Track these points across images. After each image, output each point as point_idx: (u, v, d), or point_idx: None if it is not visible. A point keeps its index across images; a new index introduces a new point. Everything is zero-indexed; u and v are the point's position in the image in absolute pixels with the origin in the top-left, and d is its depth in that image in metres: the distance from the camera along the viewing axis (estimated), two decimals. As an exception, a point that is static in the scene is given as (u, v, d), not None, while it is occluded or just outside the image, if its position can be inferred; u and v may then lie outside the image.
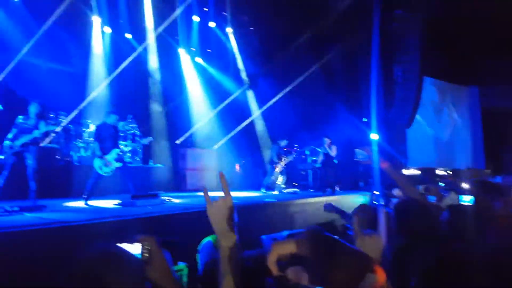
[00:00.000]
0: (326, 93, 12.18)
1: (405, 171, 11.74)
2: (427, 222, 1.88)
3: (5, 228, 3.52)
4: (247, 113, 12.89)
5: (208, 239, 2.62)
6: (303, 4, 10.96)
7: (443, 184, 9.86)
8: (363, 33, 10.39)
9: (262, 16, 11.96)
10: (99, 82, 10.04)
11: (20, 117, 5.77)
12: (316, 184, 10.68)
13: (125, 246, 1.10)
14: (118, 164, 6.58)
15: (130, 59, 10.20)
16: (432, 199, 3.50)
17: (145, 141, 7.34)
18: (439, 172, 13.42)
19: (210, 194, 1.33)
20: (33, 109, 5.76)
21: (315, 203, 7.34)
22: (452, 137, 14.31)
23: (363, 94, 11.52)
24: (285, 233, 4.57)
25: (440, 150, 13.66)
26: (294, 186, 10.94)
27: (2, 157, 5.59)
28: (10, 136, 5.70)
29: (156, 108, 11.27)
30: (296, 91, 11.91)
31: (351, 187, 10.92)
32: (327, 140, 9.27)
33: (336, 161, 9.58)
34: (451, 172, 13.46)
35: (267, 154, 11.90)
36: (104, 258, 0.98)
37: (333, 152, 9.34)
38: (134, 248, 1.12)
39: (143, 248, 1.12)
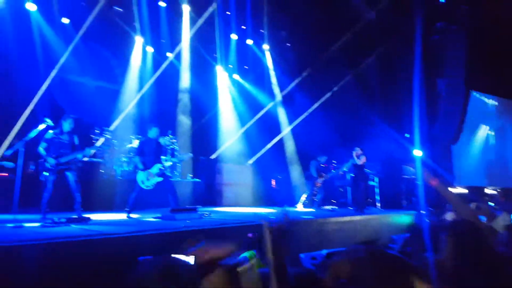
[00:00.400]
0: (363, 107, 11.97)
1: (452, 190, 11.33)
2: (483, 243, 1.80)
3: (54, 238, 3.72)
4: (282, 128, 12.97)
5: (244, 255, 2.59)
6: (339, 17, 11.03)
7: (492, 204, 9.35)
8: (402, 45, 10.29)
9: (299, 31, 12.09)
10: (141, 99, 10.55)
11: (51, 131, 5.81)
12: (356, 201, 10.16)
13: (180, 256, 1.12)
14: (159, 179, 6.70)
15: (158, 73, 10.67)
16: (483, 219, 3.37)
17: (185, 157, 7.39)
18: (488, 191, 12.95)
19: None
20: (67, 124, 5.84)
21: (354, 221, 7.16)
22: (502, 154, 13.81)
23: (404, 108, 10.96)
24: (324, 251, 4.53)
25: (489, 168, 13.21)
26: (332, 204, 10.82)
27: (47, 173, 5.72)
28: (42, 150, 5.79)
29: (190, 123, 11.57)
30: (332, 105, 11.98)
31: (393, 206, 10.55)
32: (357, 150, 8.97)
33: (369, 173, 9.19)
34: (501, 191, 12.69)
35: (302, 169, 11.95)
36: (163, 268, 1.01)
37: (361, 161, 8.96)
38: (189, 259, 1.14)
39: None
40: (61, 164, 5.78)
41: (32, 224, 5.07)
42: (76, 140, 5.95)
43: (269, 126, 12.70)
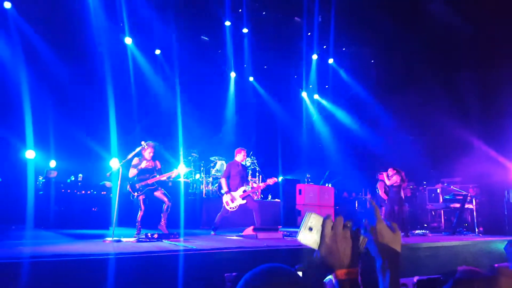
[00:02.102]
0: (456, 127, 11.41)
1: None
2: None
3: (148, 252, 4.08)
4: (364, 147, 13.00)
5: (330, 277, 2.57)
6: (429, 31, 10.76)
7: None
8: (504, 61, 9.79)
9: (384, 48, 11.96)
10: (227, 123, 11.29)
11: (136, 158, 6.32)
12: (449, 225, 10.20)
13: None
14: (243, 201, 6.97)
15: (231, 90, 11.12)
16: None
17: (270, 181, 7.44)
18: None
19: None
20: (147, 153, 6.33)
21: (449, 246, 6.82)
22: None
23: (508, 129, 10.52)
24: (416, 278, 4.40)
25: None
26: (423, 228, 10.51)
27: (135, 193, 6.27)
28: (130, 173, 6.34)
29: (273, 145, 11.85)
30: (420, 124, 11.91)
31: (495, 231, 9.88)
32: (390, 171, 8.32)
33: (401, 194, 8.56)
34: None
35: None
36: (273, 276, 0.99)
37: (390, 181, 8.20)
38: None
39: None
40: (148, 186, 6.31)
41: (128, 238, 5.48)
42: (158, 164, 6.46)
43: (353, 146, 12.90)
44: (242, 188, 6.97)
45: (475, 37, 10.23)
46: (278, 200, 10.62)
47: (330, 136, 13.61)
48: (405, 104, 11.95)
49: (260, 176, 10.58)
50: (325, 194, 11.10)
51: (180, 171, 7.22)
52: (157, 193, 6.39)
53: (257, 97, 12.25)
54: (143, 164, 6.28)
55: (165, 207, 6.33)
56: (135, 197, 6.22)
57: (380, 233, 1.06)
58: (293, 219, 10.52)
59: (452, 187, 10.27)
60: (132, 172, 6.32)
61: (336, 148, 13.49)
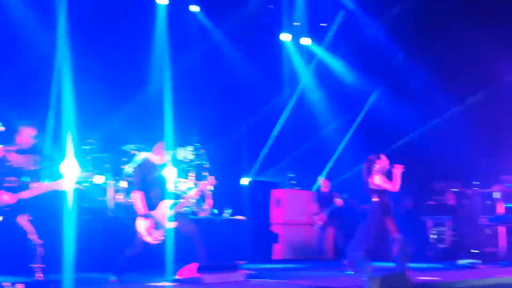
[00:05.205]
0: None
1: None
2: None
3: None
4: (384, 126, 13.57)
5: None
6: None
7: None
8: None
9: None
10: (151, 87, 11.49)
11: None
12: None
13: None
14: (173, 225, 6.93)
15: None
16: None
17: (205, 185, 7.70)
18: None
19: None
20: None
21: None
22: None
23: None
24: None
25: None
26: (472, 255, 10.71)
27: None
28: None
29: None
30: (470, 90, 12.63)
31: None
32: (377, 158, 8.21)
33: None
34: None
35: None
36: None
37: (376, 180, 8.12)
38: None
39: None
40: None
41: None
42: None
43: (366, 126, 13.45)
44: (167, 203, 6.89)
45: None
46: (242, 217, 10.38)
47: (329, 109, 13.88)
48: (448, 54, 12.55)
49: (211, 178, 9.98)
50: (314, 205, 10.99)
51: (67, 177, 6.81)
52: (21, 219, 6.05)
53: (205, 42, 12.10)
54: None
55: (33, 242, 5.94)
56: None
57: None
58: (266, 248, 10.80)
59: None
60: None
61: (338, 128, 13.77)
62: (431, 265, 9.63)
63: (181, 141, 9.83)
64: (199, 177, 10.40)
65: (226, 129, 12.55)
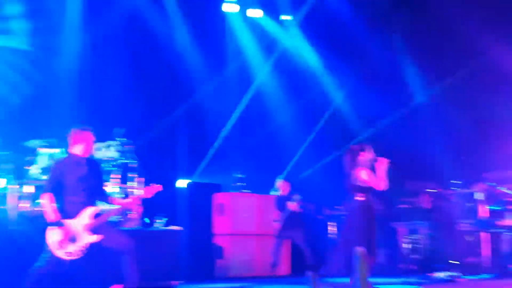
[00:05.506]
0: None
1: None
2: None
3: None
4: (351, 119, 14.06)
5: None
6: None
7: None
8: None
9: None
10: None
11: None
12: (498, 260, 10.61)
13: None
14: (94, 238, 6.46)
15: None
16: None
17: (148, 192, 6.77)
18: None
19: None
20: None
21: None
22: None
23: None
24: None
25: None
26: (451, 267, 10.77)
27: None
28: None
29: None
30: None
31: None
32: (361, 149, 7.96)
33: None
34: None
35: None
36: None
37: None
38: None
39: None
40: None
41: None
42: None
43: (334, 118, 13.78)
44: (92, 210, 6.42)
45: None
46: (178, 228, 9.80)
47: (286, 96, 13.97)
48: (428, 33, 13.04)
49: (138, 180, 9.97)
50: (271, 211, 10.88)
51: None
52: None
53: (127, 8, 11.65)
54: None
55: None
56: None
57: None
58: (207, 264, 10.67)
59: (503, 188, 10.48)
60: None
61: (297, 119, 13.83)
62: (402, 279, 9.46)
63: (100, 135, 8.51)
64: (124, 180, 9.98)
65: (159, 119, 12.36)
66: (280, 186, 10.41)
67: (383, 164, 7.35)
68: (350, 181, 7.53)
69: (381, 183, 7.43)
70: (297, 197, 10.14)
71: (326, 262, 8.53)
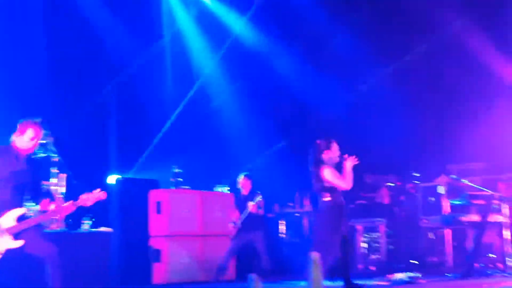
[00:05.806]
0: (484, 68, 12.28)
1: None
2: None
3: None
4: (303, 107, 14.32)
5: None
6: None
7: None
8: None
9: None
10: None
11: None
12: (461, 259, 10.65)
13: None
14: (16, 243, 6.33)
15: None
16: None
17: (89, 199, 6.59)
18: None
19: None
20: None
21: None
22: None
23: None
24: None
25: None
26: (411, 267, 10.82)
27: None
28: None
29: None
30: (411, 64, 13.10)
31: None
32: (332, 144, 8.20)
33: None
34: None
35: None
36: None
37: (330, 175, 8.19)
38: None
39: None
40: None
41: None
42: None
43: (278, 106, 14.15)
44: (16, 213, 6.27)
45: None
46: (108, 229, 9.75)
47: (228, 78, 14.14)
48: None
49: (60, 176, 9.57)
50: (216, 209, 11.20)
51: None
52: None
53: None
54: None
55: None
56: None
57: None
58: (143, 269, 10.40)
59: (466, 182, 10.14)
60: None
61: (241, 104, 14.01)
62: (361, 281, 9.00)
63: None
64: (45, 176, 9.39)
65: (84, 104, 11.88)
66: (241, 184, 10.42)
67: (350, 162, 7.54)
68: (315, 181, 7.67)
69: (345, 183, 7.58)
70: (259, 196, 10.06)
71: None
